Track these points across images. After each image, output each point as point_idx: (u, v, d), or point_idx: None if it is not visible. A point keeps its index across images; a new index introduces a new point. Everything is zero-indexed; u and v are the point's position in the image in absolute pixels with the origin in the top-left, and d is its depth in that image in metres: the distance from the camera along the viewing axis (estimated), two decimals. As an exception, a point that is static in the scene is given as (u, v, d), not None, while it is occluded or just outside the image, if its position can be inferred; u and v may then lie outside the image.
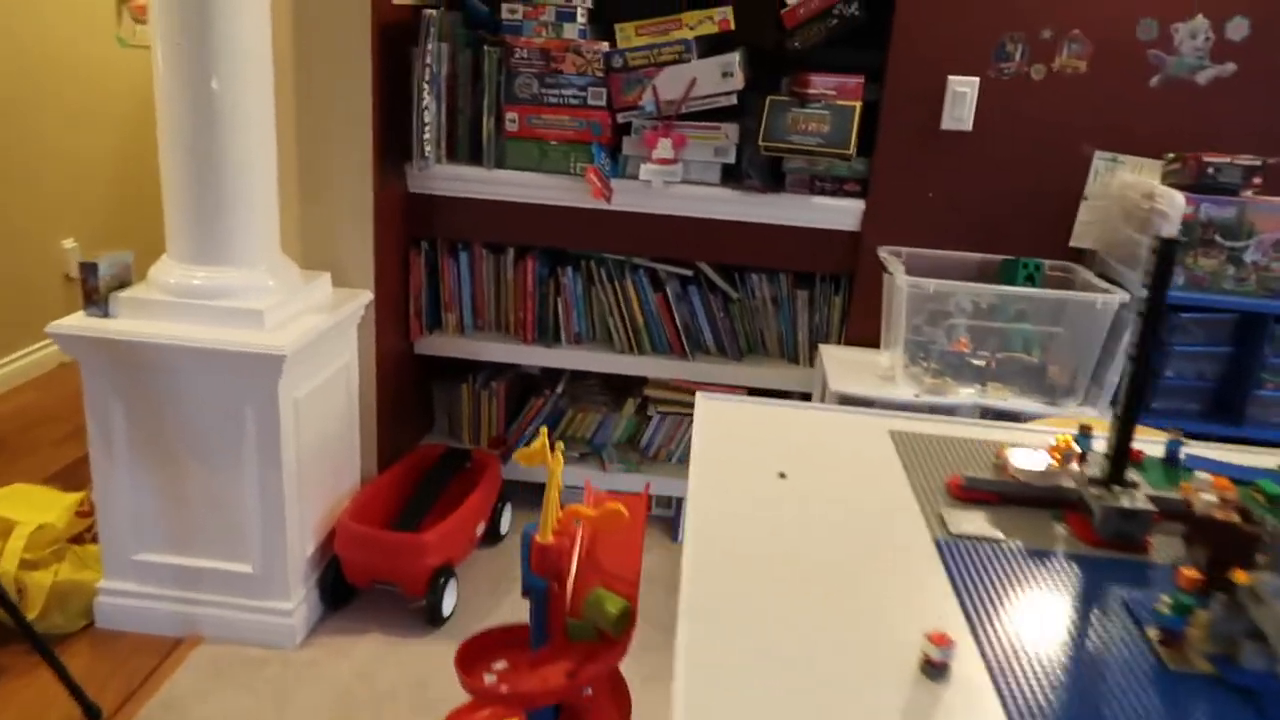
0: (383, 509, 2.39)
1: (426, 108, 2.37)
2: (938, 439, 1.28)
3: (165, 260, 2.11)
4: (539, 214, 2.53)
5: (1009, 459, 1.09)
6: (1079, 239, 2.37)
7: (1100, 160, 2.31)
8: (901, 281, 2.14)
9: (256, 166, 2.06)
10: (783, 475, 1.09)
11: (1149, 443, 1.28)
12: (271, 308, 2.05)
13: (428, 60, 2.34)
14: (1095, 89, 2.27)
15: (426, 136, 2.40)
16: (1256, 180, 2.12)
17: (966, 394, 2.19)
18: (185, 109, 1.96)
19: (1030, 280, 2.26)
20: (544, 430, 1.37)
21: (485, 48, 2.43)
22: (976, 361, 2.23)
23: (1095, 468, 1.05)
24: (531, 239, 2.59)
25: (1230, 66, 2.22)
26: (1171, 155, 2.22)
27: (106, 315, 2.07)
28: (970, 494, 1.04)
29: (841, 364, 2.38)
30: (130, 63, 3.79)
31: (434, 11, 2.33)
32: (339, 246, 2.38)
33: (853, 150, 2.31)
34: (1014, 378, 2.22)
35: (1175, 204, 1.99)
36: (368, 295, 2.38)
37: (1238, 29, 2.20)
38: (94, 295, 2.06)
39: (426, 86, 2.36)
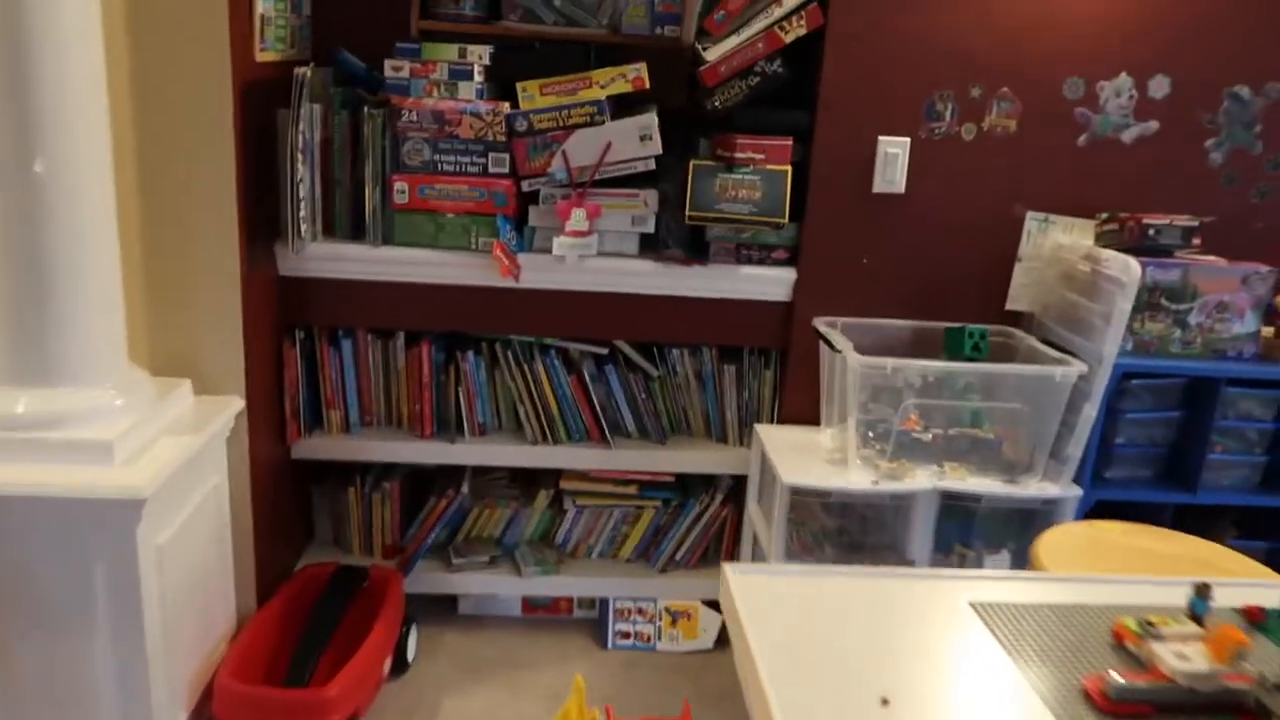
0: (269, 655, 2.01)
1: (301, 180, 2.03)
2: (1028, 609, 1.08)
3: (-23, 382, 1.68)
4: (434, 295, 2.23)
5: (1156, 653, 0.90)
6: (1015, 301, 2.27)
7: (1032, 220, 2.23)
8: (854, 361, 1.97)
9: (95, 262, 1.67)
10: (885, 702, 0.86)
11: (1252, 587, 1.12)
12: (122, 436, 1.66)
13: (301, 126, 2.00)
14: (1025, 148, 2.19)
15: (302, 214, 2.05)
16: (1196, 240, 2.08)
17: (924, 476, 2.04)
18: (1, 196, 1.57)
19: (977, 349, 2.14)
20: (578, 680, 1.08)
21: (366, 109, 2.12)
22: (925, 438, 2.08)
23: (1266, 664, 0.86)
24: (426, 323, 2.28)
25: (1153, 125, 2.19)
26: (1104, 215, 2.16)
27: (-101, 458, 1.62)
28: (1121, 707, 0.84)
29: (782, 446, 2.19)
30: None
31: (305, 70, 1.99)
32: (200, 347, 1.99)
33: (786, 218, 2.13)
34: (967, 455, 2.09)
35: (1131, 272, 1.91)
36: (237, 403, 2.01)
37: (1159, 86, 2.17)
38: (-120, 434, 1.62)
39: (300, 156, 2.02)
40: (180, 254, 1.95)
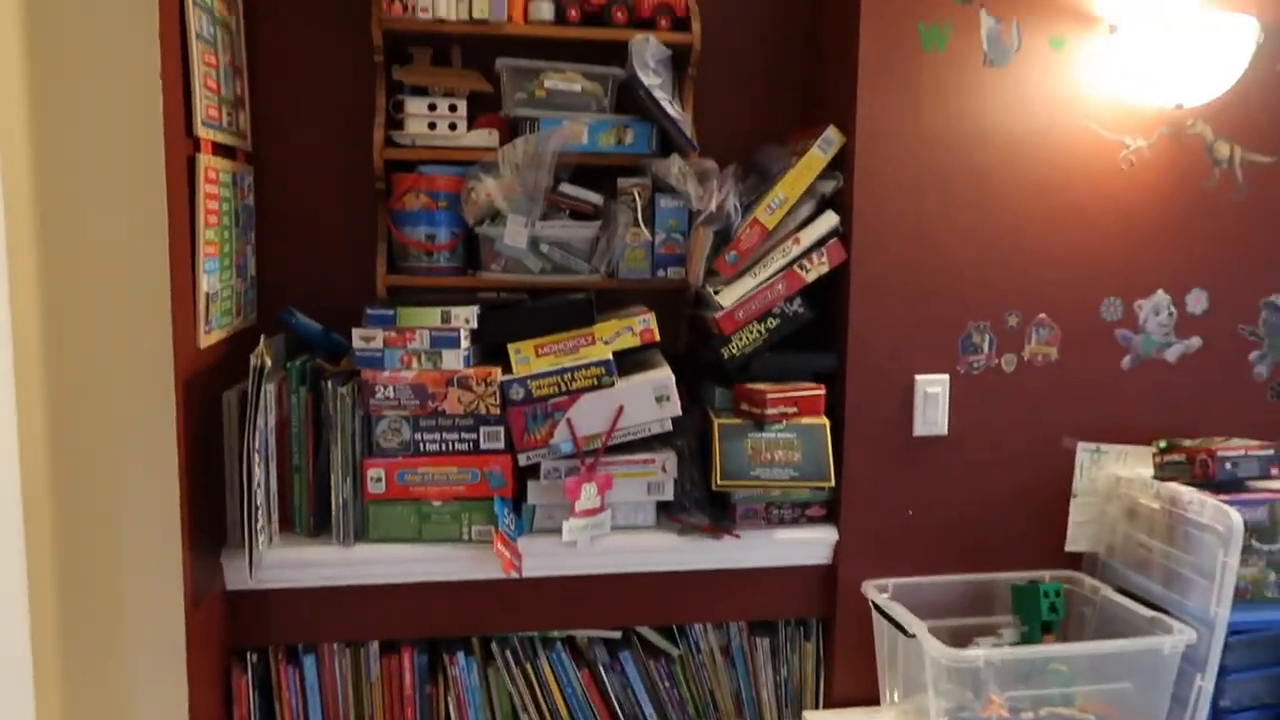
0: None
1: (260, 485, 1.67)
2: None
3: None
4: (419, 596, 1.86)
5: None
6: (1075, 543, 2.04)
7: (1084, 452, 2.02)
8: (936, 652, 1.67)
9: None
10: None
11: None
12: None
13: (259, 422, 1.66)
14: (1069, 376, 2.00)
15: (259, 525, 1.68)
16: (1275, 470, 1.89)
17: (1026, 778, 1.72)
18: None
19: (1054, 610, 1.87)
20: None
21: (329, 384, 1.79)
22: (1014, 723, 1.78)
23: None
24: (410, 630, 1.89)
25: (1196, 341, 2.04)
26: (1163, 444, 1.97)
27: None
28: None
29: (844, 742, 1.86)
30: None
31: (262, 353, 1.67)
32: (135, 702, 1.56)
33: (833, 480, 1.87)
34: (1063, 738, 1.79)
35: (1232, 523, 1.69)
36: (181, 775, 1.57)
37: (1197, 301, 2.03)
38: None
39: (256, 456, 1.67)
40: (110, 588, 1.54)
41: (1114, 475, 2.02)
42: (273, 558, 1.76)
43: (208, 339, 1.67)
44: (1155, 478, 1.95)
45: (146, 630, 1.56)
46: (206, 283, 1.65)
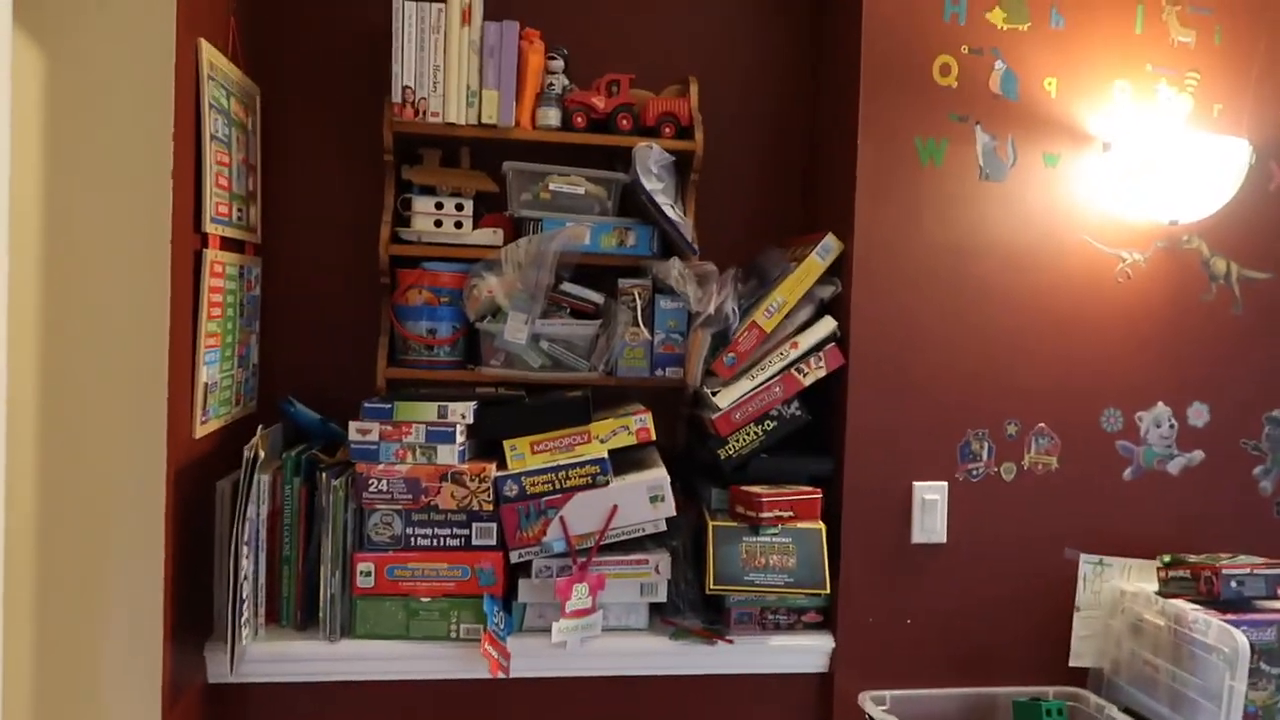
0: None
1: (247, 578, 1.66)
2: None
3: None
4: (405, 695, 1.83)
5: None
6: (1079, 658, 1.99)
7: (1086, 564, 1.99)
8: (932, 772, 1.62)
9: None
10: None
11: None
12: None
13: (249, 514, 1.66)
14: (1069, 486, 1.98)
15: (245, 617, 1.66)
16: (1280, 590, 1.85)
17: None
18: None
19: (1056, 730, 1.82)
20: None
21: (324, 476, 1.79)
22: None
23: None
24: (393, 729, 1.85)
25: (1199, 454, 2.02)
26: (1167, 558, 1.93)
27: None
28: None
29: None
30: None
31: (257, 443, 1.67)
32: (100, 804, 1.53)
33: (827, 588, 1.84)
34: None
35: (1238, 645, 1.65)
36: None
37: (1198, 414, 2.02)
38: None
39: (245, 549, 1.66)
40: (86, 677, 1.52)
41: (1118, 589, 1.98)
42: (257, 651, 1.74)
43: (204, 429, 1.68)
44: (1159, 593, 1.91)
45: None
46: (206, 373, 1.67)
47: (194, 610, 1.71)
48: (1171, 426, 2.01)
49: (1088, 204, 1.98)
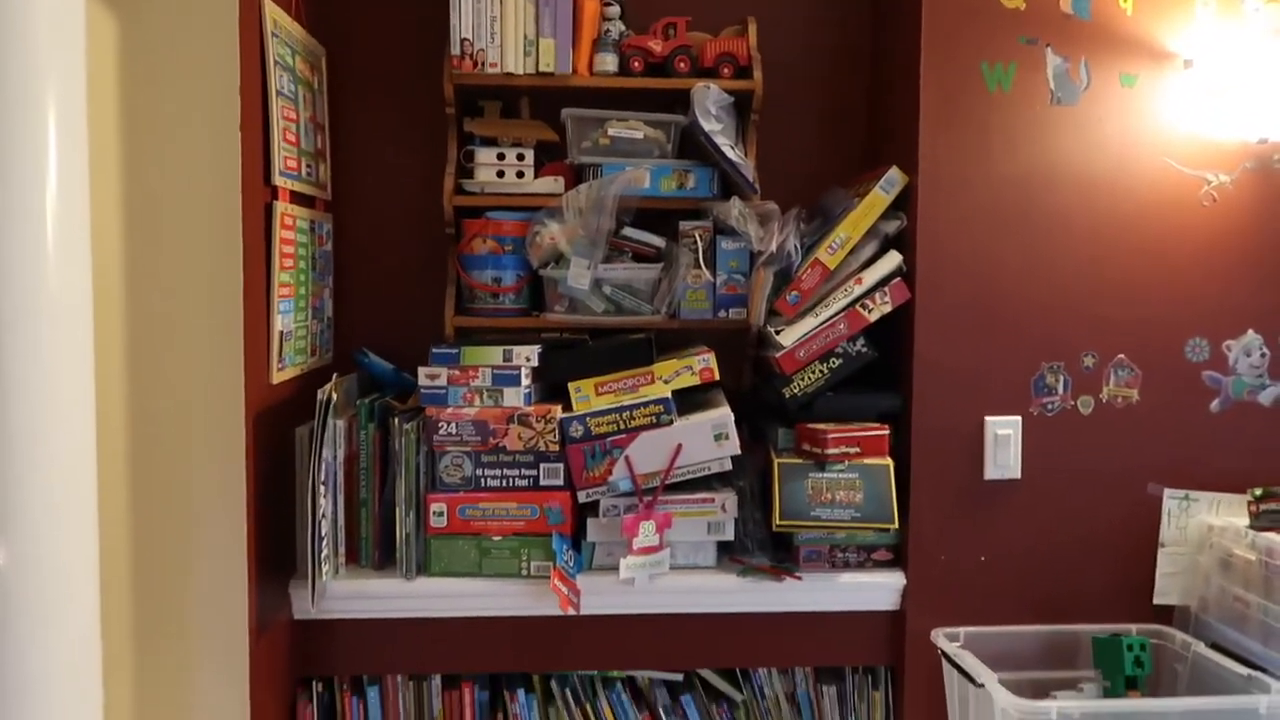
0: None
1: (324, 516, 1.73)
2: None
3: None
4: (478, 631, 1.88)
5: None
6: (1163, 595, 1.92)
7: (1171, 500, 1.92)
8: (1005, 703, 1.60)
9: (69, 663, 1.33)
10: None
11: None
12: None
13: (324, 454, 1.72)
14: (1151, 419, 1.91)
15: (324, 554, 1.74)
16: (1383, 522, 1.76)
17: (1107, 845, 1.61)
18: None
19: (1139, 665, 1.77)
20: None
21: (396, 421, 1.85)
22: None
23: None
24: (469, 665, 1.91)
25: (1292, 383, 1.93)
26: (1259, 491, 1.85)
27: None
28: None
29: (912, 799, 1.78)
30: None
31: (329, 389, 1.74)
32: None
33: (896, 522, 1.82)
34: (1150, 804, 1.67)
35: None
36: (243, 801, 1.61)
37: (1292, 342, 1.92)
38: None
39: (323, 489, 1.73)
40: (177, 612, 1.61)
41: (1206, 524, 1.91)
42: (338, 589, 1.81)
43: (280, 375, 1.75)
44: (1251, 527, 1.84)
45: (212, 655, 1.62)
46: (280, 322, 1.73)
47: (278, 551, 1.78)
48: (1263, 355, 1.92)
49: (1169, 125, 1.89)
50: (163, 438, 1.59)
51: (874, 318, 1.89)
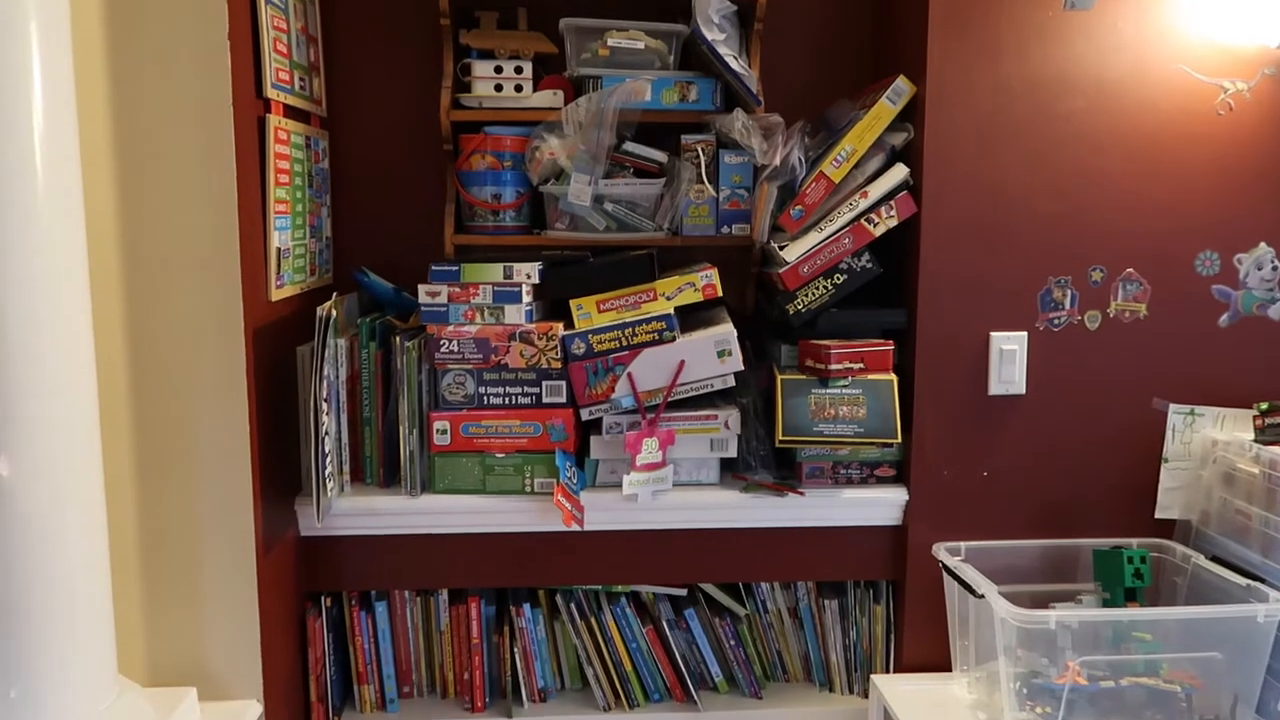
0: None
1: (327, 433, 1.73)
2: None
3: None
4: (483, 547, 1.90)
5: None
6: (1165, 509, 1.93)
7: (1176, 415, 1.91)
8: (1004, 612, 1.61)
9: (77, 572, 1.35)
10: None
11: None
12: (110, 795, 1.30)
13: (325, 371, 1.72)
14: (1159, 334, 1.89)
15: (328, 471, 1.74)
16: (1388, 435, 1.75)
17: (1103, 749, 1.65)
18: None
19: (1139, 577, 1.78)
20: None
21: (398, 339, 1.84)
22: (1096, 694, 1.70)
23: None
24: (475, 580, 1.94)
25: (1303, 296, 1.90)
26: (1265, 405, 1.84)
27: None
28: None
29: (910, 705, 1.81)
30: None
31: (329, 307, 1.72)
32: (208, 641, 1.65)
33: (899, 437, 1.82)
34: (1144, 710, 1.70)
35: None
36: (254, 709, 1.64)
37: (1304, 254, 1.89)
38: None
39: (325, 405, 1.73)
40: (184, 530, 1.63)
41: (1210, 439, 1.90)
42: (344, 506, 1.82)
43: (279, 293, 1.74)
44: (1256, 441, 1.83)
45: (221, 571, 1.64)
46: (277, 239, 1.71)
47: (283, 469, 1.79)
48: (1274, 268, 1.89)
49: (1185, 30, 1.83)
50: (162, 355, 1.58)
51: (879, 232, 1.86)
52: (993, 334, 1.87)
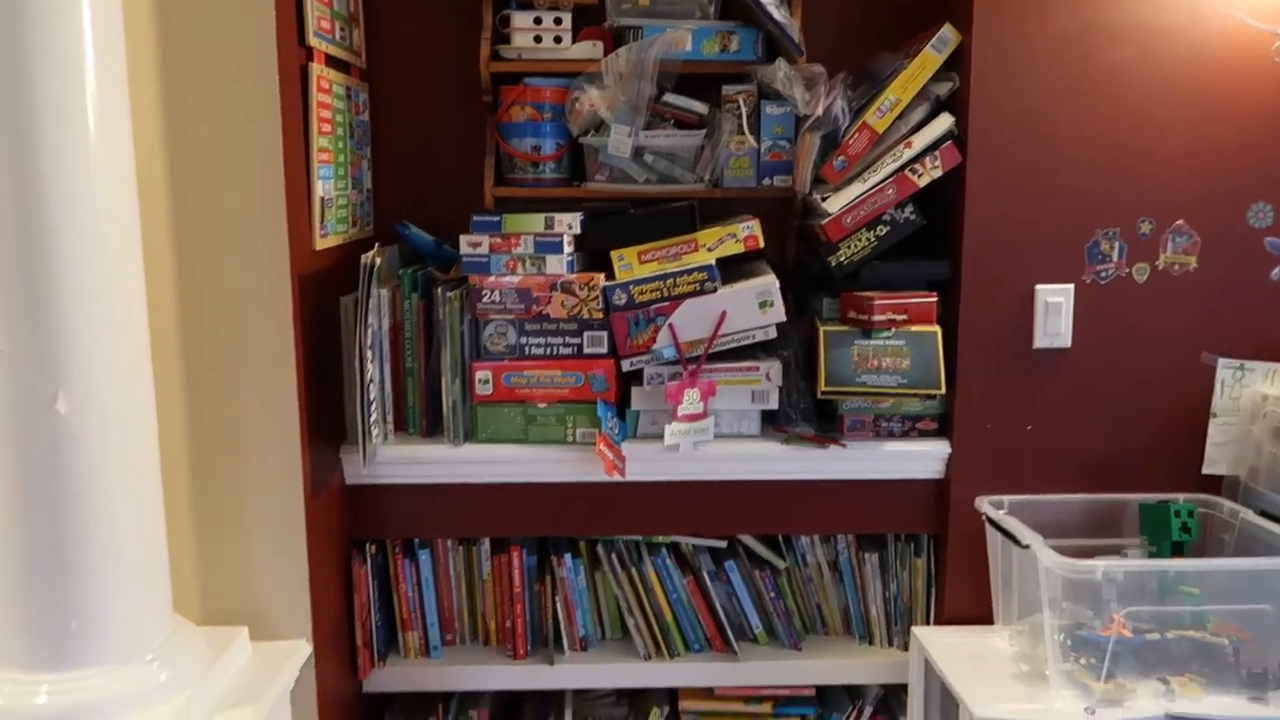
0: None
1: (372, 380, 1.75)
2: None
3: (-10, 665, 1.37)
4: (525, 496, 1.91)
5: None
6: (1213, 465, 1.91)
7: (1225, 369, 1.88)
8: (1050, 562, 1.61)
9: (133, 513, 1.37)
10: None
11: None
12: (168, 726, 1.33)
13: (370, 319, 1.73)
14: (1209, 287, 1.86)
15: (374, 419, 1.76)
16: None
17: (1148, 697, 1.63)
18: (11, 441, 1.28)
19: (1185, 531, 1.76)
20: None
21: (439, 290, 1.85)
22: (1141, 646, 1.69)
23: None
24: (517, 529, 1.96)
25: (1359, 248, 1.86)
26: (1317, 359, 1.81)
27: (-108, 775, 1.30)
28: None
29: (952, 657, 1.81)
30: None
31: (374, 255, 1.74)
32: (258, 582, 1.68)
33: (943, 389, 1.81)
34: (1190, 663, 1.69)
35: (1391, 436, 1.55)
36: (304, 649, 1.68)
37: (1361, 205, 1.85)
38: None
39: (370, 353, 1.74)
40: (234, 476, 1.65)
41: (1260, 394, 1.87)
42: (388, 454, 1.84)
43: (323, 242, 1.75)
44: (1306, 395, 1.80)
45: (270, 515, 1.66)
46: (321, 188, 1.72)
47: (328, 418, 1.81)
48: (1329, 219, 1.85)
49: (1242, -26, 1.79)
50: (211, 302, 1.60)
51: (924, 183, 1.84)
52: (1038, 287, 1.85)
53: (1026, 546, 1.67)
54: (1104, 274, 1.86)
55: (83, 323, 1.29)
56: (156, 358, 1.49)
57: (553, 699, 2.14)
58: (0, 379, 1.26)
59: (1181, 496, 1.87)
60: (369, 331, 1.73)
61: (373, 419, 1.76)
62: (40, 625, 1.32)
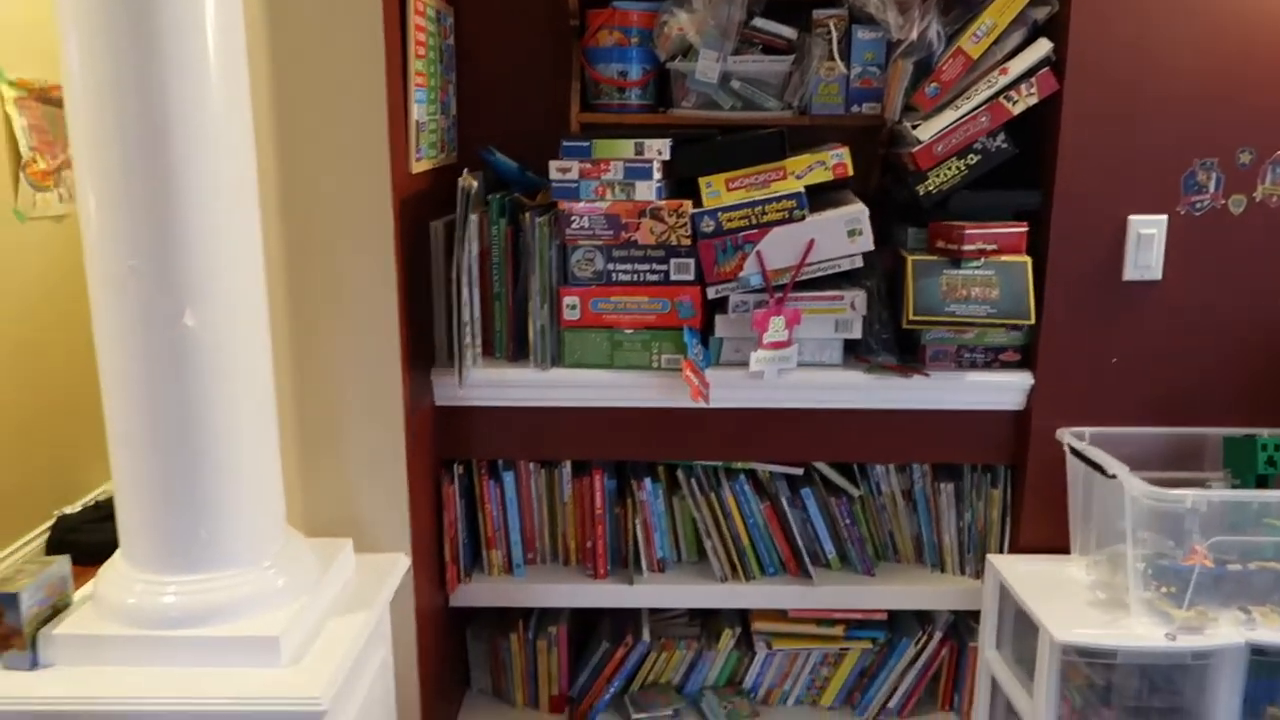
0: None
1: (466, 303, 1.78)
2: None
3: (120, 567, 1.45)
4: (609, 420, 1.95)
5: None
6: (1300, 400, 1.90)
7: (1318, 303, 1.86)
8: (1137, 490, 1.62)
9: (252, 424, 1.43)
10: None
11: None
12: (288, 627, 1.40)
13: (466, 243, 1.76)
14: (1308, 219, 1.83)
15: (468, 340, 1.80)
16: None
17: (1229, 625, 1.66)
18: (144, 355, 1.33)
19: (1272, 464, 1.77)
20: None
21: (528, 216, 1.87)
22: (1222, 576, 1.71)
23: None
24: (601, 452, 2.00)
25: None
26: None
27: (35, 666, 1.39)
28: None
29: (1030, 584, 1.83)
30: (32, 239, 3.11)
31: (470, 179, 1.76)
32: (360, 497, 1.75)
33: (1033, 318, 1.81)
34: (1272, 594, 1.70)
35: None
36: (403, 561, 1.75)
37: None
38: (13, 639, 1.38)
39: (465, 277, 1.77)
40: (338, 395, 1.71)
41: (1352, 329, 1.85)
42: (476, 377, 1.88)
43: (418, 166, 1.77)
44: (1402, 331, 1.78)
45: (371, 433, 1.72)
46: (416, 111, 1.73)
47: (421, 340, 1.85)
48: None
49: (1362, -108, 1.72)
50: (314, 226, 1.64)
51: (1018, 110, 1.81)
52: (1131, 217, 1.83)
53: (1113, 476, 1.68)
54: (1199, 205, 1.83)
55: (207, 243, 1.33)
56: (272, 296, 1.54)
57: (628, 618, 2.21)
58: (132, 294, 1.30)
59: (1266, 431, 1.87)
60: (465, 254, 1.76)
61: (467, 341, 1.79)
62: (173, 531, 1.39)
